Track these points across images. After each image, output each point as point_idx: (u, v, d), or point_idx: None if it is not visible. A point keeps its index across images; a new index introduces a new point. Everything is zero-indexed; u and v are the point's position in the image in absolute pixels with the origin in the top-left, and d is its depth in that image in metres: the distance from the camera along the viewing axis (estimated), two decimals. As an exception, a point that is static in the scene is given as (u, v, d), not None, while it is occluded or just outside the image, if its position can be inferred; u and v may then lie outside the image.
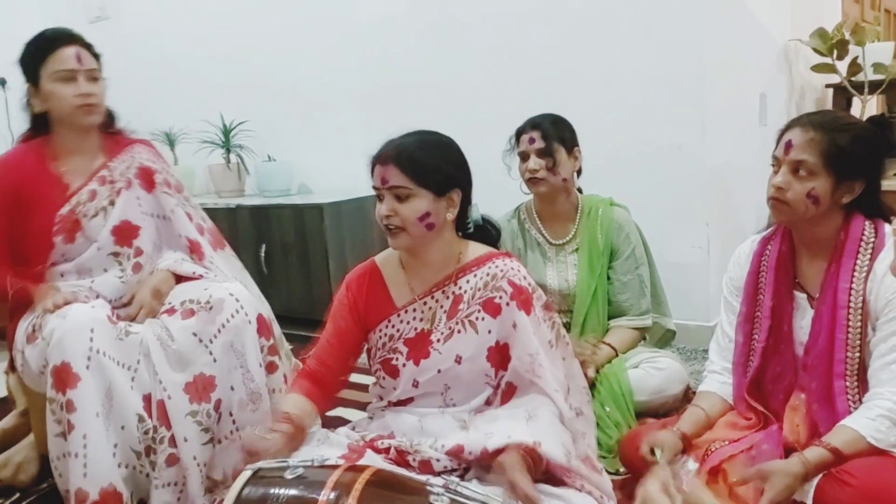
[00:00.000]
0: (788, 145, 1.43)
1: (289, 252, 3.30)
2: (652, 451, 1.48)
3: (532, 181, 2.05)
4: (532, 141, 2.03)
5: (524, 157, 2.06)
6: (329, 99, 3.51)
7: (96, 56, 1.85)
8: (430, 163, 1.47)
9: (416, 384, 1.55)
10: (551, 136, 2.02)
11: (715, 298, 2.68)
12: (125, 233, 1.87)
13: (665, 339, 2.25)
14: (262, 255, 3.34)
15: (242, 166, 3.73)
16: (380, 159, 1.48)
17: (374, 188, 1.49)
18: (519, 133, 2.09)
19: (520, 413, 1.43)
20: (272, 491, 1.21)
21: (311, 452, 1.37)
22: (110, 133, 1.94)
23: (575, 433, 1.46)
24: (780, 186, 1.43)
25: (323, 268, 3.20)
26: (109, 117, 1.94)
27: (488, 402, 1.55)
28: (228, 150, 3.69)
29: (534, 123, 2.05)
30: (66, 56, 1.77)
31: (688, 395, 1.99)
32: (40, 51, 1.78)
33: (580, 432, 1.48)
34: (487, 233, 1.65)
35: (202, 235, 1.96)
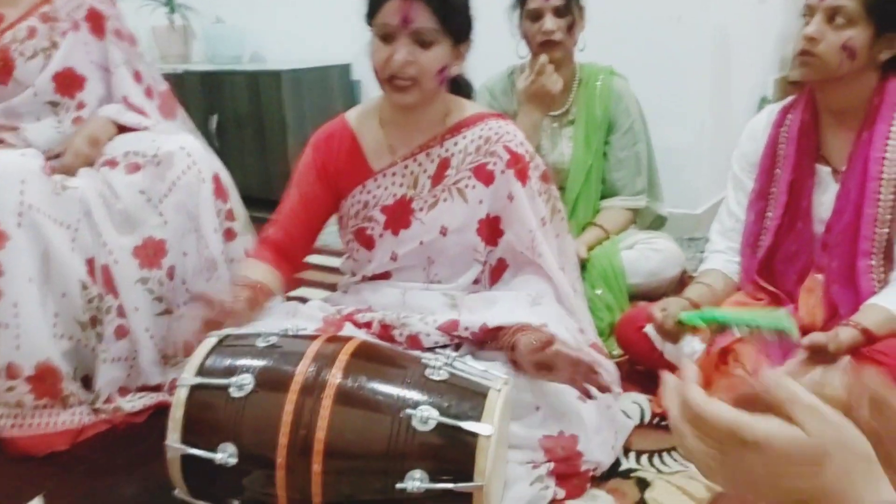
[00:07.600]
0: None
1: (243, 125, 3.03)
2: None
3: (546, 44, 1.79)
4: None
5: (536, 15, 1.79)
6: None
7: None
8: (458, 2, 1.29)
9: (394, 257, 1.40)
10: None
11: (705, 186, 2.58)
12: (68, 81, 1.63)
13: (654, 226, 2.10)
14: (214, 127, 3.05)
15: (188, 28, 3.40)
16: None
17: (384, 25, 1.25)
18: None
19: (522, 297, 1.32)
20: (240, 361, 1.04)
21: (282, 323, 1.20)
22: None
23: (576, 313, 1.37)
24: (812, 37, 1.27)
25: (281, 143, 2.95)
26: None
27: (476, 281, 1.43)
28: (172, 10, 3.36)
29: None
30: None
31: (683, 280, 1.88)
32: None
33: (580, 308, 1.41)
34: (459, 89, 1.44)
35: (151, 99, 1.71)
